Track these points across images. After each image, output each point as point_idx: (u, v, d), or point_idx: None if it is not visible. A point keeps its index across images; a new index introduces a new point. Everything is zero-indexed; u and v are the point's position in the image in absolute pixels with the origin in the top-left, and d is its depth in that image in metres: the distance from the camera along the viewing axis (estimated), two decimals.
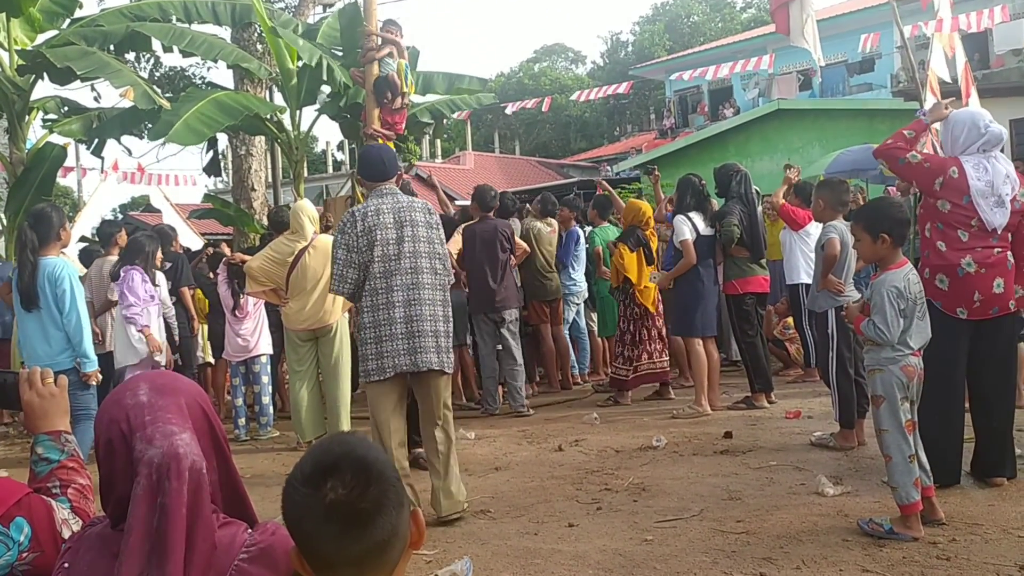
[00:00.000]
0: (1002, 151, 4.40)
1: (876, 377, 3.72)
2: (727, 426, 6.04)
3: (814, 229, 6.58)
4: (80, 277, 9.24)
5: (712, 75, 14.02)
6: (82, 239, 11.43)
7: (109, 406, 1.55)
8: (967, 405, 4.43)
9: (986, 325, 4.24)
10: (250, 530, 1.53)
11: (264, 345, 7.22)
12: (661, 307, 7.61)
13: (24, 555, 1.64)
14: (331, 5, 15.53)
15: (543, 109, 13.99)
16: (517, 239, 7.80)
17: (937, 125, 4.72)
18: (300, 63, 10.52)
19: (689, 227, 6.83)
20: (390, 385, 4.34)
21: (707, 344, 6.94)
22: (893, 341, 3.64)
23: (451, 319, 4.48)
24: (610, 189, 9.47)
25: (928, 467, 3.74)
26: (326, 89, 10.99)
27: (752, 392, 6.91)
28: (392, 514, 1.32)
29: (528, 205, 9.09)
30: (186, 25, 10.94)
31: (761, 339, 7.06)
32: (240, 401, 7.20)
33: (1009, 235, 4.26)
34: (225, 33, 12.69)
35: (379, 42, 8.23)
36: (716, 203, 7.49)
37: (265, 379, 7.21)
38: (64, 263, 5.41)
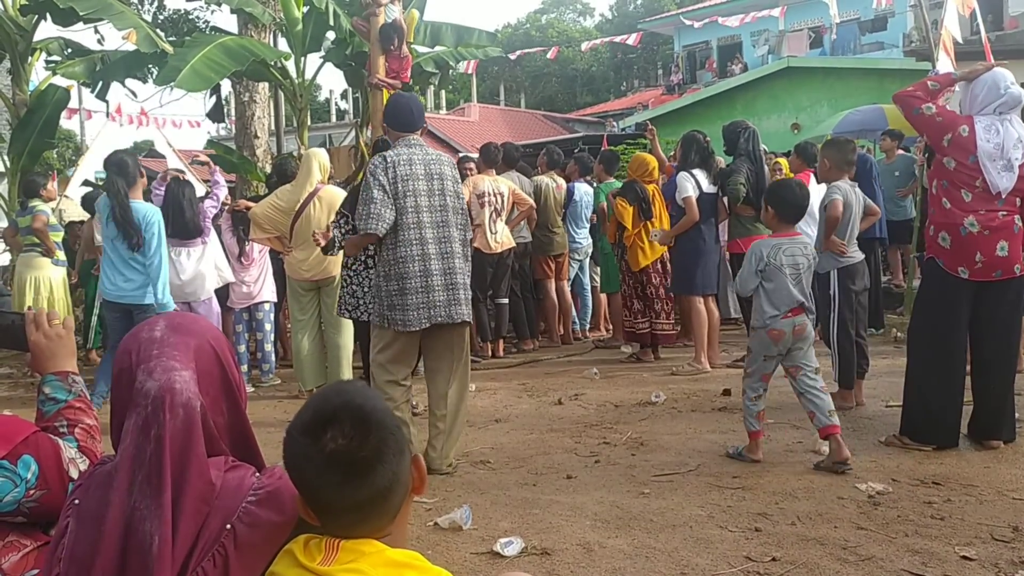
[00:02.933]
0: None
1: (752, 335, 4.43)
2: (726, 384, 6.07)
3: (817, 190, 6.55)
4: (80, 222, 9.31)
5: (722, 22, 13.82)
6: (85, 183, 11.39)
7: (128, 338, 1.60)
8: (967, 368, 4.46)
9: (989, 288, 4.24)
10: (258, 474, 1.55)
11: (267, 292, 7.22)
12: (666, 267, 7.44)
13: (31, 492, 1.66)
14: None
15: (549, 57, 13.85)
16: (519, 192, 7.75)
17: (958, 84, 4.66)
18: (306, 9, 10.37)
19: (692, 184, 6.79)
20: (415, 337, 4.38)
21: (707, 302, 6.95)
22: (745, 293, 4.48)
23: (469, 271, 4.54)
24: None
25: (828, 408, 4.15)
26: (331, 36, 10.85)
27: None
28: (392, 461, 1.33)
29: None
30: None
31: None
32: (242, 348, 7.22)
33: (1017, 200, 4.24)
34: None
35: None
36: (723, 161, 7.44)
37: (268, 326, 7.23)
38: (155, 210, 5.89)
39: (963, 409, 4.38)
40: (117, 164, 5.85)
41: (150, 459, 1.45)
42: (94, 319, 8.13)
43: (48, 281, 7.99)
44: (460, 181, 4.60)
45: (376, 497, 1.33)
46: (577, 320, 9.01)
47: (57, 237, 8.07)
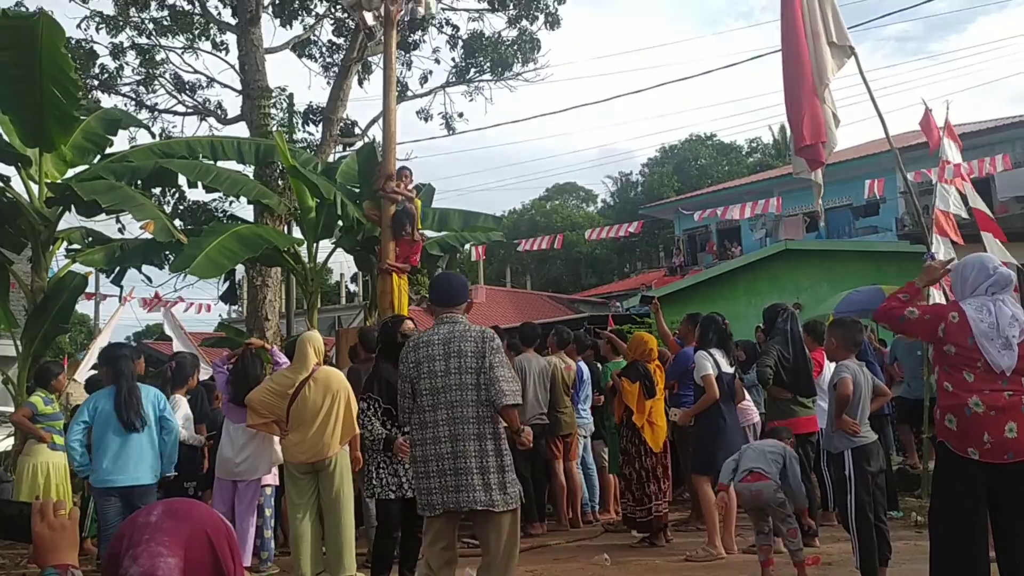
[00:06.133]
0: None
1: None
2: (743, 571, 5.84)
3: (829, 368, 6.57)
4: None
5: (722, 215, 14.38)
6: (95, 367, 11.46)
7: (126, 522, 1.58)
8: (992, 554, 4.29)
9: (1004, 471, 4.13)
10: None
11: (269, 476, 7.08)
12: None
13: None
14: (351, 145, 16.18)
15: (556, 246, 14.35)
16: None
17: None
18: (318, 199, 10.84)
19: (711, 363, 6.78)
20: (443, 523, 4.26)
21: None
22: None
23: (506, 452, 4.24)
24: (612, 336, 9.09)
25: None
26: (342, 223, 11.29)
27: None
28: None
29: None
30: (211, 162, 11.35)
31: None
32: None
33: (1022, 379, 4.22)
34: (248, 169, 13.14)
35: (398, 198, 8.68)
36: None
37: (268, 512, 7.04)
38: (159, 392, 6.38)
39: None
40: (118, 355, 6.27)
41: None
42: (91, 507, 7.96)
43: (46, 467, 7.87)
44: (493, 352, 4.22)
45: None
46: (588, 502, 8.78)
47: (58, 424, 8.03)
